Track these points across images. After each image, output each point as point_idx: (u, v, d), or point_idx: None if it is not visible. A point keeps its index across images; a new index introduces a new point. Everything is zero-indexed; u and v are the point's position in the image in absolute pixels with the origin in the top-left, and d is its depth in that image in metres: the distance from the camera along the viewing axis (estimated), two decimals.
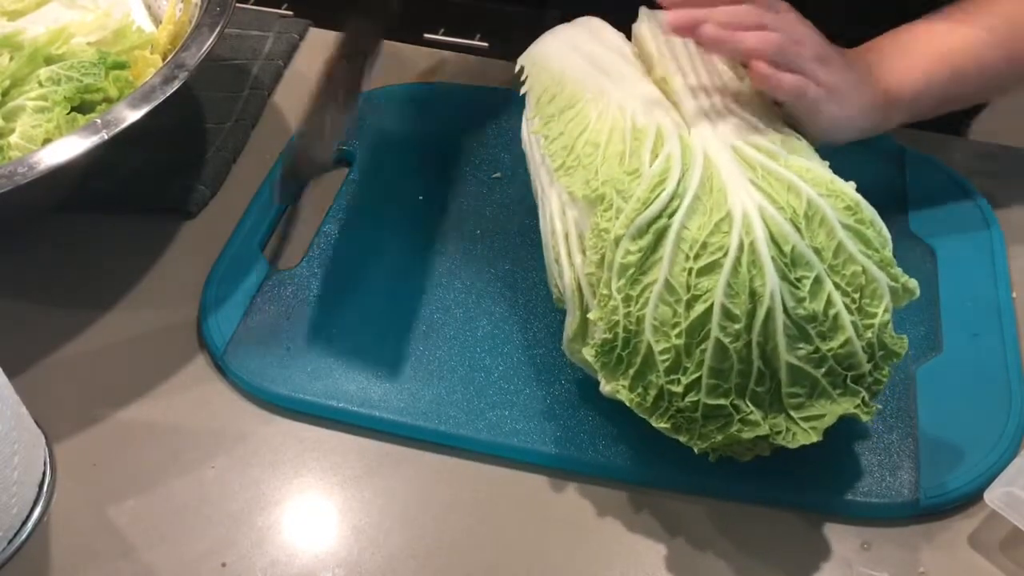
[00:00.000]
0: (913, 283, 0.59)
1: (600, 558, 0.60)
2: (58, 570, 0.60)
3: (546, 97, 0.67)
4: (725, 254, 0.54)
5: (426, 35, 1.29)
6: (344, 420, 0.66)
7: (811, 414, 0.56)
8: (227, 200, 0.81)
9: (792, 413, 0.57)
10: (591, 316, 0.58)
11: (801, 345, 0.55)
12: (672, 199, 0.56)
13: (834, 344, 0.55)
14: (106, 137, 0.64)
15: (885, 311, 0.57)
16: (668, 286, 0.55)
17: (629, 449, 0.63)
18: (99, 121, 0.65)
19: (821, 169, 0.59)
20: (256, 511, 0.62)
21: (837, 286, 0.55)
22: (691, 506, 0.62)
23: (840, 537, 0.61)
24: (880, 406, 0.58)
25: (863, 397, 0.57)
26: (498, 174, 0.82)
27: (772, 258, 0.54)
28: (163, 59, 0.78)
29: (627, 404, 0.57)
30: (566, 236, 0.62)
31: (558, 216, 0.62)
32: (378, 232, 0.77)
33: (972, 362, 0.68)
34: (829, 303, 0.55)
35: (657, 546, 0.60)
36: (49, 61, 0.76)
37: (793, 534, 0.61)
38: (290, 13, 0.99)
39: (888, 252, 0.58)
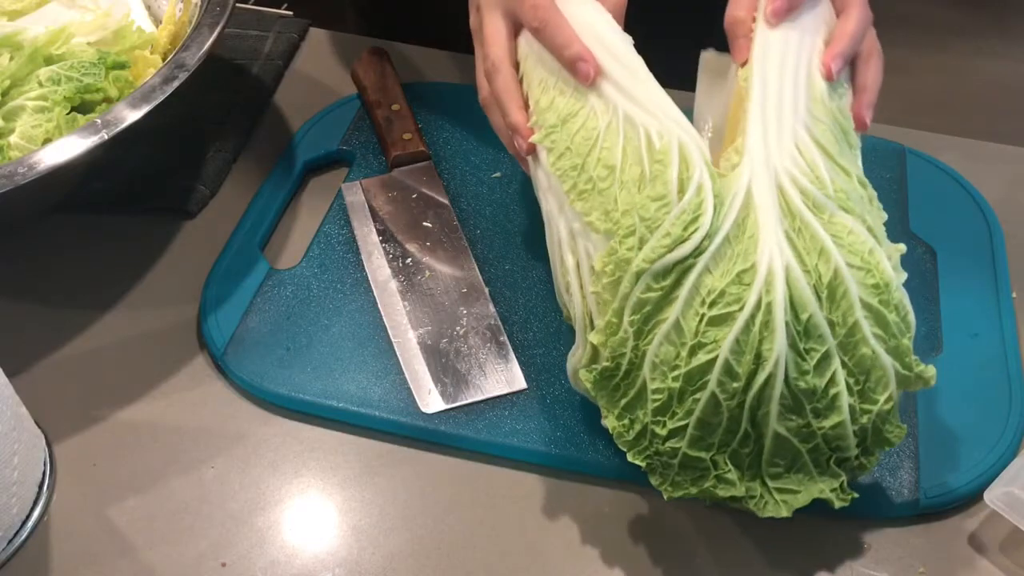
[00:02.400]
0: (930, 372, 0.56)
1: (600, 558, 0.60)
2: (58, 570, 0.60)
3: (545, 100, 0.63)
4: (741, 308, 0.53)
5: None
6: (344, 420, 0.66)
7: (787, 487, 0.55)
8: (227, 200, 0.81)
9: (769, 482, 0.55)
10: (591, 338, 0.57)
11: (793, 417, 0.54)
12: (704, 239, 0.54)
13: (826, 424, 0.54)
14: (106, 137, 0.64)
15: (888, 400, 0.55)
16: (677, 327, 0.54)
17: None
18: (99, 121, 0.65)
19: (864, 235, 0.56)
20: (256, 511, 0.62)
21: (844, 365, 0.54)
22: (691, 506, 0.62)
23: (840, 537, 0.61)
24: (857, 495, 0.56)
25: (842, 482, 0.56)
26: (498, 174, 0.82)
27: (787, 323, 0.53)
28: (163, 59, 0.79)
29: (611, 432, 0.57)
30: (577, 267, 0.59)
31: (567, 246, 0.60)
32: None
33: (972, 362, 0.68)
34: (832, 382, 0.53)
35: (656, 546, 0.60)
36: (49, 61, 0.76)
37: (793, 534, 0.61)
38: (290, 13, 0.99)
39: (907, 340, 0.55)
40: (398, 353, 0.68)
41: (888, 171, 0.81)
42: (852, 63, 0.65)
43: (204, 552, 0.60)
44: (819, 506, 0.61)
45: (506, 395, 0.66)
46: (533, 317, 0.71)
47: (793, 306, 0.53)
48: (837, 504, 0.56)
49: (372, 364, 0.68)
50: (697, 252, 0.54)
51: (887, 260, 0.56)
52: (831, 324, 0.53)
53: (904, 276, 0.57)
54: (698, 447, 0.54)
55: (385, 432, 0.66)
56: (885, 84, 0.65)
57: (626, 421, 0.56)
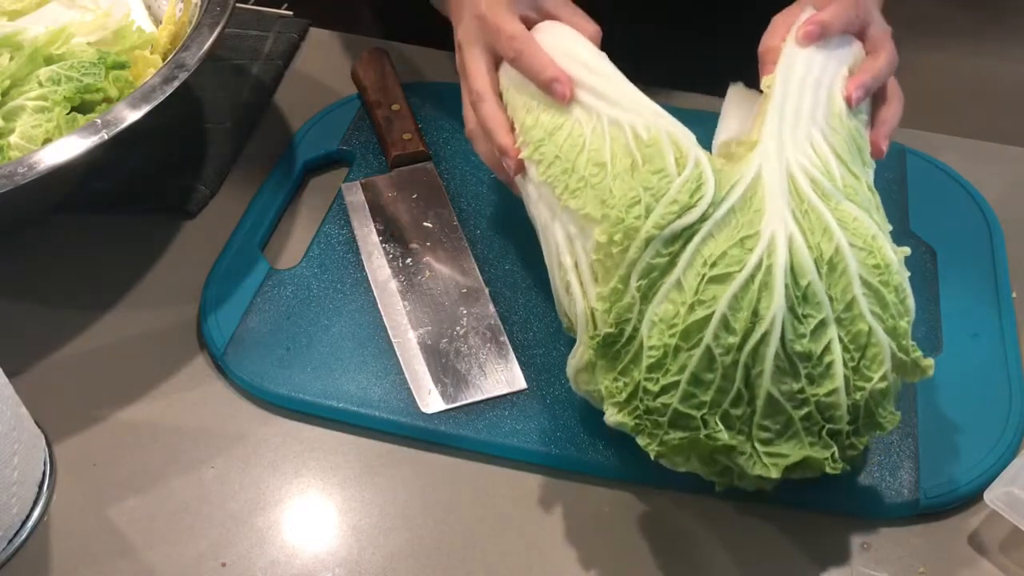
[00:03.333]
0: (927, 363, 0.57)
1: (600, 557, 0.60)
2: (58, 570, 0.60)
3: (530, 120, 0.65)
4: (741, 268, 0.54)
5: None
6: (344, 420, 0.66)
7: (777, 451, 0.55)
8: (227, 200, 0.81)
9: (758, 446, 0.55)
10: (594, 304, 0.58)
11: (787, 380, 0.54)
12: (709, 207, 0.56)
13: (820, 391, 0.54)
14: (106, 137, 0.64)
15: (882, 379, 0.55)
16: (678, 285, 0.55)
17: (629, 449, 0.63)
18: (99, 121, 0.65)
19: (868, 222, 0.57)
20: (256, 511, 0.62)
21: (840, 339, 0.54)
22: (691, 506, 0.62)
23: (840, 537, 0.61)
24: (848, 466, 0.56)
25: (833, 452, 0.55)
26: None
27: (786, 286, 0.54)
28: (163, 59, 0.78)
29: (603, 393, 0.57)
30: (575, 266, 0.60)
31: (565, 248, 0.61)
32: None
33: (972, 362, 0.68)
34: (827, 350, 0.54)
35: (657, 545, 0.60)
36: (49, 61, 0.76)
37: (793, 533, 0.61)
38: (290, 13, 0.99)
39: (904, 323, 0.56)
40: (398, 353, 0.68)
41: (888, 171, 0.81)
42: (873, 100, 0.66)
43: (204, 552, 0.60)
44: (820, 504, 0.61)
45: (506, 395, 0.66)
46: (533, 317, 0.71)
47: (793, 271, 0.54)
48: (828, 469, 0.55)
49: (372, 364, 0.68)
50: (703, 218, 0.55)
51: (890, 246, 0.57)
52: (830, 299, 0.54)
53: (907, 274, 0.57)
54: (689, 404, 0.54)
55: (385, 432, 0.66)
56: None
57: (620, 383, 0.56)
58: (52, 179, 0.63)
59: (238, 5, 0.80)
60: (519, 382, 0.67)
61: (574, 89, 0.64)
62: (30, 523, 0.61)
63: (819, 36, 0.64)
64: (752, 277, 0.54)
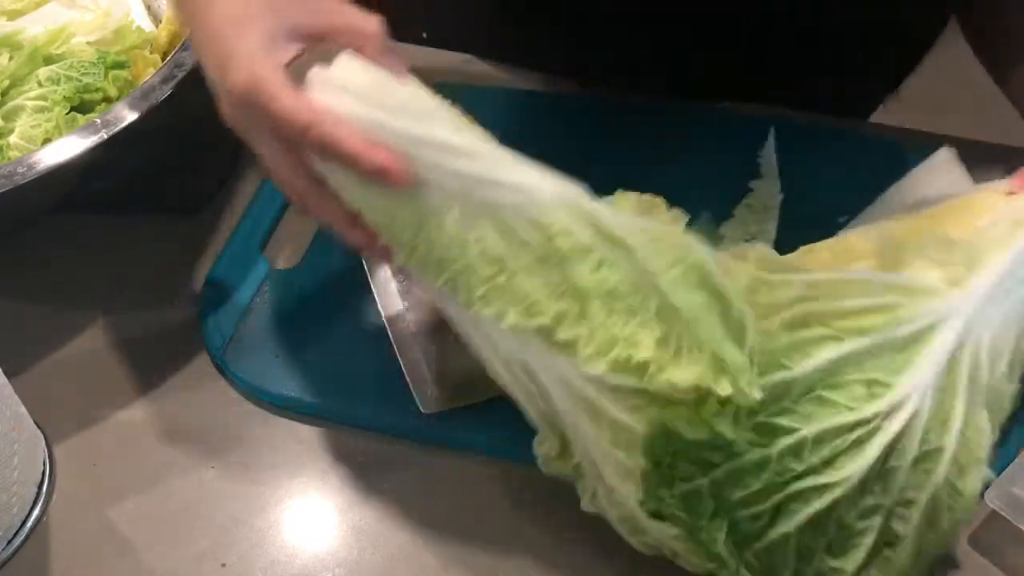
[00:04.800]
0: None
1: (601, 557, 0.60)
2: (58, 570, 0.60)
3: (383, 220, 0.53)
4: (852, 409, 0.49)
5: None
6: (344, 420, 0.66)
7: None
8: (227, 200, 0.81)
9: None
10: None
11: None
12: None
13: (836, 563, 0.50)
14: (106, 137, 0.65)
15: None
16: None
17: None
18: (99, 121, 0.65)
19: (987, 436, 0.53)
20: (256, 511, 0.62)
21: (878, 527, 0.50)
22: None
23: None
24: None
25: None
26: None
27: (876, 458, 0.49)
28: (163, 59, 0.78)
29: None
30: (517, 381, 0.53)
31: (501, 367, 0.53)
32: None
33: None
34: (864, 532, 0.50)
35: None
36: (49, 61, 0.77)
37: None
38: None
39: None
40: (398, 353, 0.68)
41: (888, 171, 0.81)
42: None
43: (204, 552, 0.60)
44: None
45: (506, 395, 0.66)
46: None
47: (891, 445, 0.50)
48: None
49: (372, 364, 0.68)
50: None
51: (981, 478, 0.53)
52: (899, 488, 0.50)
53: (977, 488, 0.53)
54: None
55: (385, 432, 0.66)
56: None
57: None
58: (52, 179, 0.63)
59: None
60: None
61: (410, 170, 0.50)
62: (30, 523, 0.61)
63: None
64: (859, 424, 0.49)
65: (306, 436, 0.66)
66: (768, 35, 0.79)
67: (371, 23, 0.53)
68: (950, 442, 0.51)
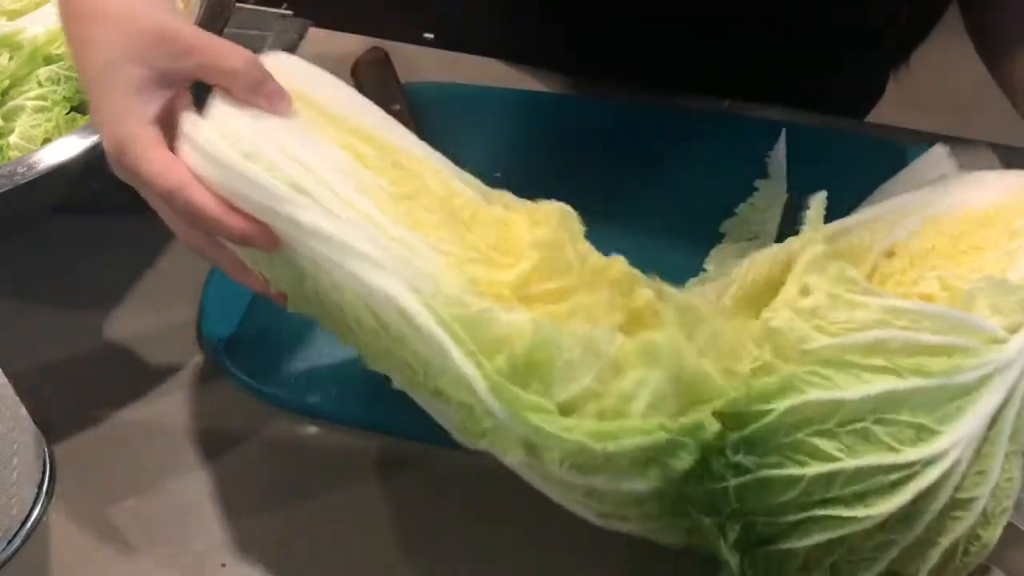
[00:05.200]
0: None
1: (602, 557, 0.60)
2: (58, 570, 0.60)
3: (271, 275, 0.55)
4: (899, 451, 0.48)
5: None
6: (344, 420, 0.66)
7: None
8: None
9: None
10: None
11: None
12: None
13: None
14: None
15: None
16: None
17: None
18: None
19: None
20: (256, 511, 0.62)
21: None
22: None
23: None
24: None
25: None
26: (498, 173, 0.82)
27: (910, 500, 0.49)
28: None
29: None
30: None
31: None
32: None
33: None
34: None
35: (660, 546, 0.60)
36: (48, 61, 0.77)
37: None
38: (290, 13, 0.99)
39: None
40: None
41: (888, 171, 0.81)
42: None
43: (204, 552, 0.60)
44: None
45: None
46: None
47: (919, 498, 0.49)
48: None
49: None
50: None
51: (1001, 529, 0.53)
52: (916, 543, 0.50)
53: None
54: None
55: (385, 432, 0.65)
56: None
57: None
58: (52, 179, 0.63)
59: (238, 5, 0.80)
60: None
61: (272, 236, 0.51)
62: (30, 523, 0.61)
63: None
64: (899, 467, 0.49)
65: (306, 436, 0.66)
66: (768, 35, 0.79)
67: (236, 60, 0.52)
68: (984, 493, 0.51)
